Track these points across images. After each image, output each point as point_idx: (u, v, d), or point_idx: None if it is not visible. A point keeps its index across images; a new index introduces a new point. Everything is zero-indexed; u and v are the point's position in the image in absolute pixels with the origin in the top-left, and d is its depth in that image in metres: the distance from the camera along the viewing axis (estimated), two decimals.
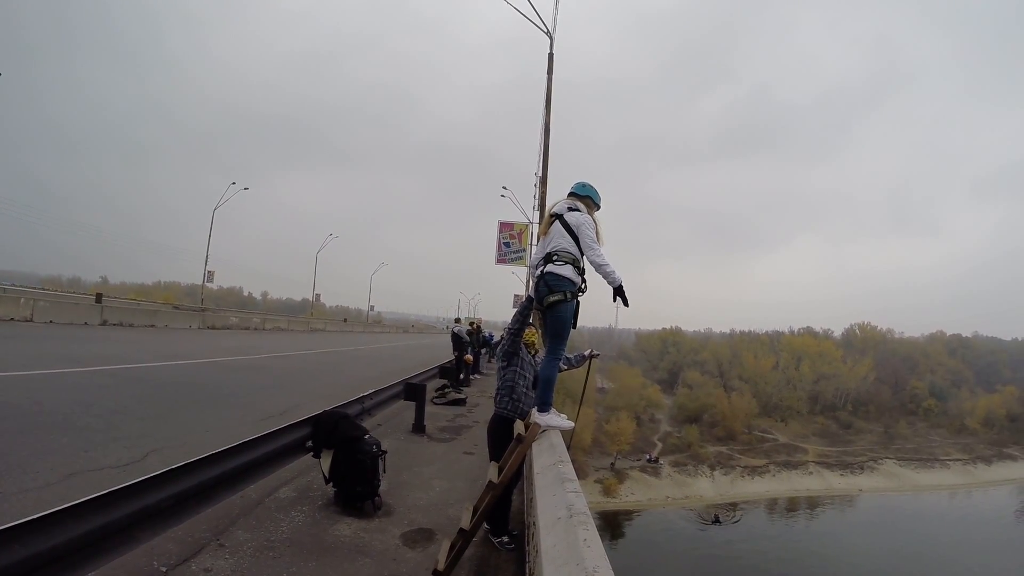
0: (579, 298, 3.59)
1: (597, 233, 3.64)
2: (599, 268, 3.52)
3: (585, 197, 3.82)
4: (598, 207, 3.88)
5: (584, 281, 3.60)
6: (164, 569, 3.23)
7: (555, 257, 3.56)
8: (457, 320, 18.81)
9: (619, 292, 3.53)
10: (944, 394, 68.76)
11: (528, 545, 3.14)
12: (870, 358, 71.09)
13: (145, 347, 14.04)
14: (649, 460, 50.52)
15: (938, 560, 35.47)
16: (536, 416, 3.54)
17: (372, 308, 77.12)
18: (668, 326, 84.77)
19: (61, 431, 5.48)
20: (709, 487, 48.30)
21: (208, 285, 43.92)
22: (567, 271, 3.52)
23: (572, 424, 3.67)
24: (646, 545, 36.33)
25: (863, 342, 79.61)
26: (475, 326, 18.51)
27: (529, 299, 3.94)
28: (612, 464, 48.31)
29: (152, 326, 21.92)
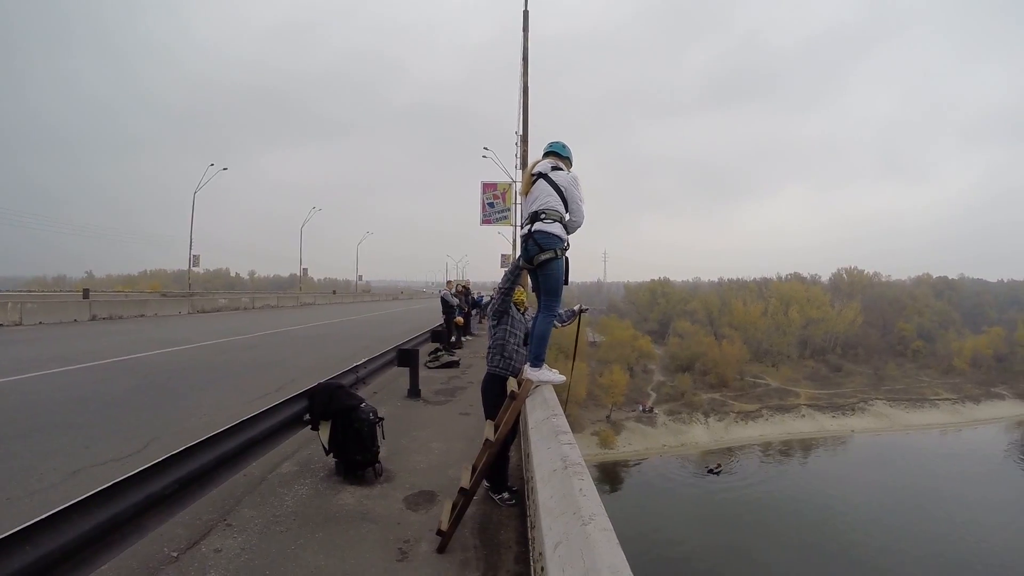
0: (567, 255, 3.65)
1: None
2: (579, 225, 3.62)
3: (566, 158, 3.87)
4: (571, 164, 3.93)
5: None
6: (175, 554, 3.29)
7: (543, 215, 3.58)
8: (448, 283, 18.80)
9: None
10: (932, 335, 70.11)
11: (528, 499, 3.24)
12: (858, 302, 72.27)
13: (136, 338, 13.98)
14: (644, 410, 51.54)
15: (936, 492, 36.67)
16: (528, 372, 3.62)
17: (360, 278, 76.75)
18: (657, 277, 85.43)
19: (60, 431, 5.53)
20: (704, 433, 49.46)
21: (194, 269, 43.46)
22: (556, 228, 3.56)
23: (564, 378, 3.76)
24: (647, 491, 37.38)
25: (850, 286, 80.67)
26: (464, 288, 18.53)
27: (519, 258, 3.97)
28: (608, 416, 49.18)
29: (142, 316, 21.78)
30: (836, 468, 42.32)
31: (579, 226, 3.67)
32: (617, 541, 1.35)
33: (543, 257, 3.56)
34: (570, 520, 1.55)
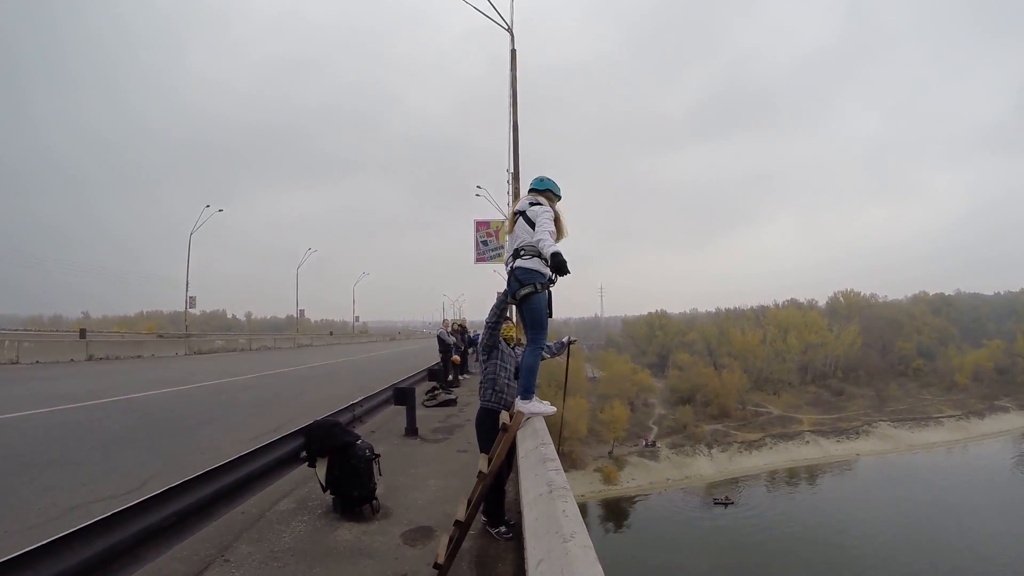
0: (551, 289, 3.75)
1: (558, 223, 3.82)
2: (538, 244, 3.59)
3: (544, 191, 3.98)
4: (559, 197, 4.03)
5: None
6: None
7: (522, 252, 3.75)
8: (444, 322, 18.92)
9: (556, 261, 3.44)
10: (932, 353, 69.79)
11: (524, 531, 3.28)
12: (856, 324, 72.13)
13: (133, 378, 13.96)
14: (646, 444, 50.90)
15: (947, 511, 36.16)
16: (519, 404, 3.70)
17: (357, 319, 76.65)
18: (654, 309, 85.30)
19: (58, 467, 5.54)
20: (708, 465, 48.82)
21: (191, 311, 43.46)
22: (534, 264, 3.69)
23: (554, 409, 3.85)
24: (654, 526, 36.72)
25: (848, 309, 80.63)
26: (460, 327, 18.61)
27: (505, 294, 4.08)
28: (610, 452, 48.60)
29: (139, 357, 21.74)
30: (844, 493, 41.77)
31: (544, 251, 3.53)
32: (596, 557, 1.41)
33: (523, 292, 3.70)
34: (552, 539, 1.61)
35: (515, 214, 3.93)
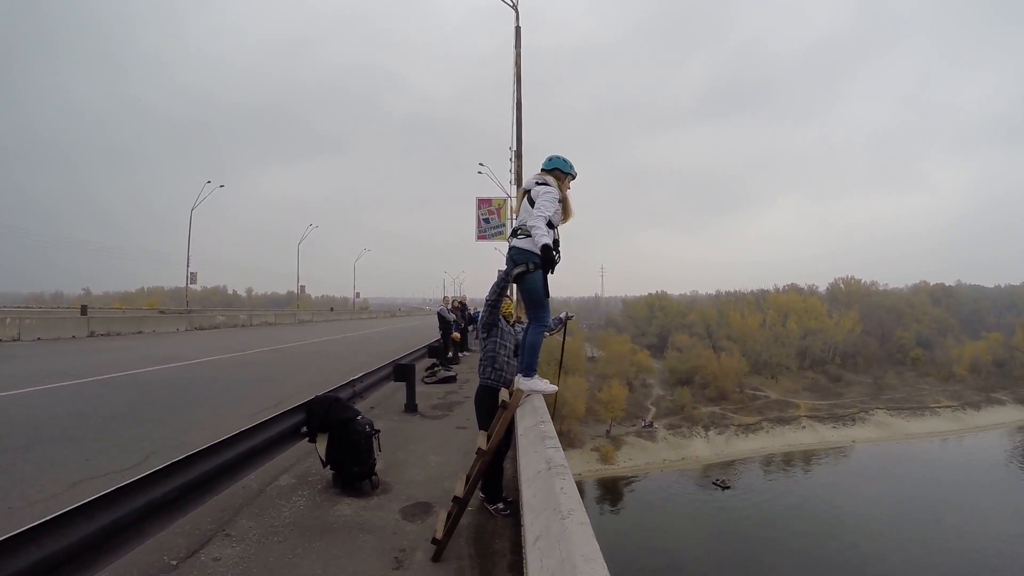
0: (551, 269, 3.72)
1: (566, 205, 3.81)
2: (531, 230, 3.60)
3: (553, 170, 3.92)
4: (572, 176, 3.97)
5: (557, 252, 3.67)
6: (174, 562, 3.35)
7: (520, 231, 3.74)
8: (445, 299, 18.91)
9: (545, 255, 3.51)
10: (930, 343, 70.00)
11: (521, 508, 3.32)
12: (855, 311, 72.12)
13: (134, 354, 14.02)
14: (644, 425, 51.29)
15: (941, 501, 36.55)
16: (520, 382, 3.72)
17: (358, 295, 76.76)
18: (654, 290, 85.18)
19: (61, 443, 5.59)
20: (704, 447, 49.23)
21: (192, 287, 43.55)
22: (526, 243, 3.68)
23: (555, 388, 3.86)
24: (650, 506, 37.16)
25: (848, 296, 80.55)
26: (460, 303, 18.63)
27: (506, 272, 4.08)
28: (607, 431, 48.99)
29: (140, 333, 21.82)
30: (839, 479, 42.12)
31: (536, 239, 3.55)
32: (593, 534, 1.43)
33: (517, 270, 3.71)
34: (550, 515, 1.62)
35: (522, 192, 3.91)
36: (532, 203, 3.72)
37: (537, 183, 3.83)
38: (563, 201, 3.84)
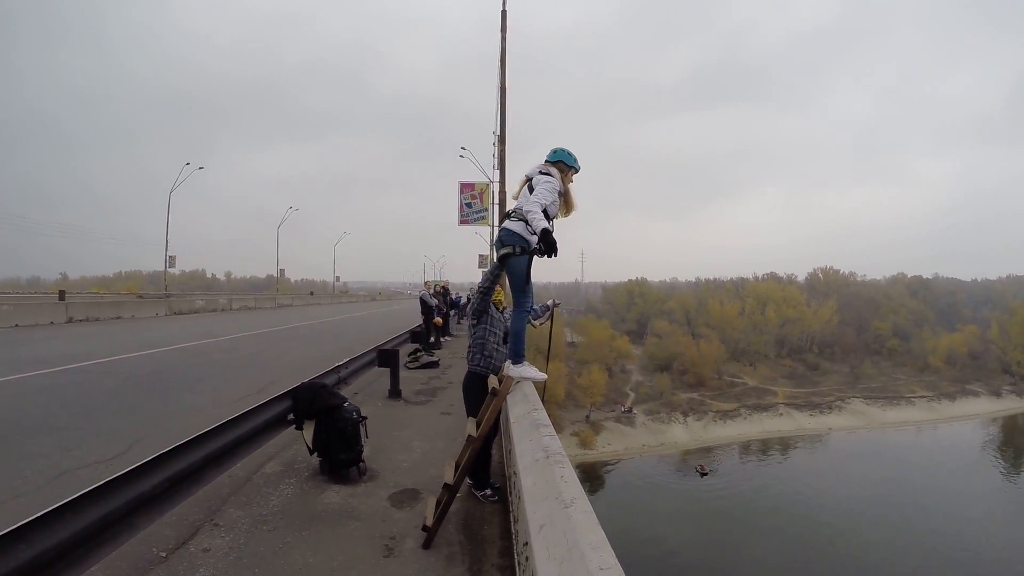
0: (534, 255, 3.68)
1: (568, 198, 3.84)
2: (527, 214, 3.59)
3: (557, 162, 3.90)
4: (575, 169, 3.96)
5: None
6: (164, 554, 3.34)
7: (512, 215, 3.74)
8: (426, 284, 18.89)
9: (546, 239, 3.48)
10: (907, 334, 71.07)
11: (511, 495, 3.34)
12: (833, 301, 73.20)
13: (114, 340, 13.81)
14: (623, 411, 51.78)
15: (914, 487, 37.48)
16: (509, 369, 3.71)
17: (338, 279, 76.24)
18: (634, 277, 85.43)
19: (43, 434, 5.50)
20: (683, 433, 49.85)
21: (170, 270, 42.88)
22: (517, 227, 3.66)
23: (545, 376, 3.87)
24: (629, 491, 37.66)
25: (826, 286, 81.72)
26: (443, 288, 18.60)
27: (498, 258, 4.07)
28: (587, 416, 49.30)
29: (119, 318, 21.43)
30: (816, 465, 42.95)
31: (534, 224, 3.52)
32: (597, 522, 1.45)
33: (502, 252, 3.70)
34: (553, 504, 1.64)
35: (525, 180, 3.90)
36: (532, 191, 3.73)
37: (541, 172, 3.82)
38: (564, 194, 3.84)
